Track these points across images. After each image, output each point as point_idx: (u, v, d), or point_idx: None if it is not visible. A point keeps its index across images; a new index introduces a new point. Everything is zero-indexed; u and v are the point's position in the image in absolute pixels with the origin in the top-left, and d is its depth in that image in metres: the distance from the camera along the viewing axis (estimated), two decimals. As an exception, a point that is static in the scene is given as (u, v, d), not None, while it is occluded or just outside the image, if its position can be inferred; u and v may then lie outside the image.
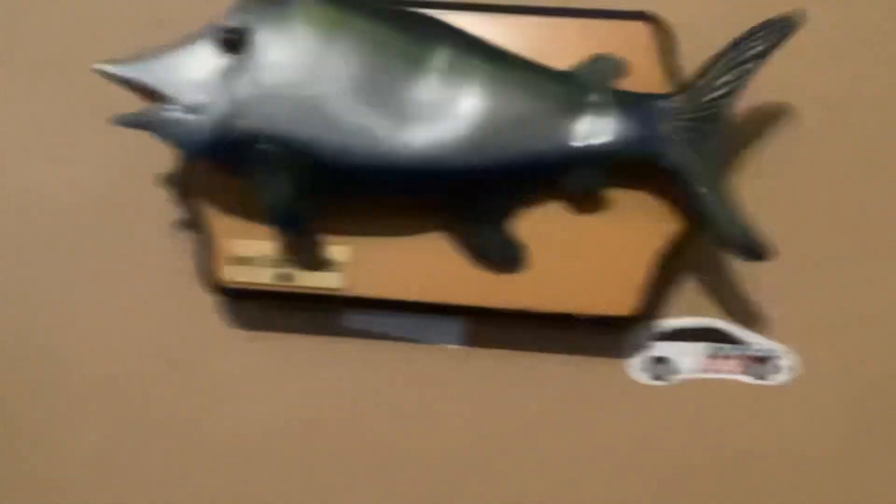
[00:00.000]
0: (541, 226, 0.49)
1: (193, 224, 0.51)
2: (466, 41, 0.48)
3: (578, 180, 0.48)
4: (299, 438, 0.51)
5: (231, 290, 0.50)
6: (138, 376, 0.52)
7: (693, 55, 0.50)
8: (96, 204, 0.54)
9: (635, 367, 0.51)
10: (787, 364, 0.50)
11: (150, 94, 0.46)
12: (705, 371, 0.51)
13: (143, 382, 0.52)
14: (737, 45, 0.48)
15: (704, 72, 0.48)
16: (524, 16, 0.51)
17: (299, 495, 0.51)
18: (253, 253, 0.49)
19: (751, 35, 0.48)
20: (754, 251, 0.47)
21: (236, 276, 0.49)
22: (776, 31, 0.47)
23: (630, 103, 0.48)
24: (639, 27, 0.51)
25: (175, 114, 0.46)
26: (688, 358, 0.51)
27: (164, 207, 0.52)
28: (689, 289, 0.51)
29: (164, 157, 0.52)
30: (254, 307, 0.52)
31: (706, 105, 0.48)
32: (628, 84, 0.49)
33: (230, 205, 0.50)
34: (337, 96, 0.46)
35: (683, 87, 0.48)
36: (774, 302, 0.51)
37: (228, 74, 0.46)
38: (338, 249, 0.49)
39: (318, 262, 0.49)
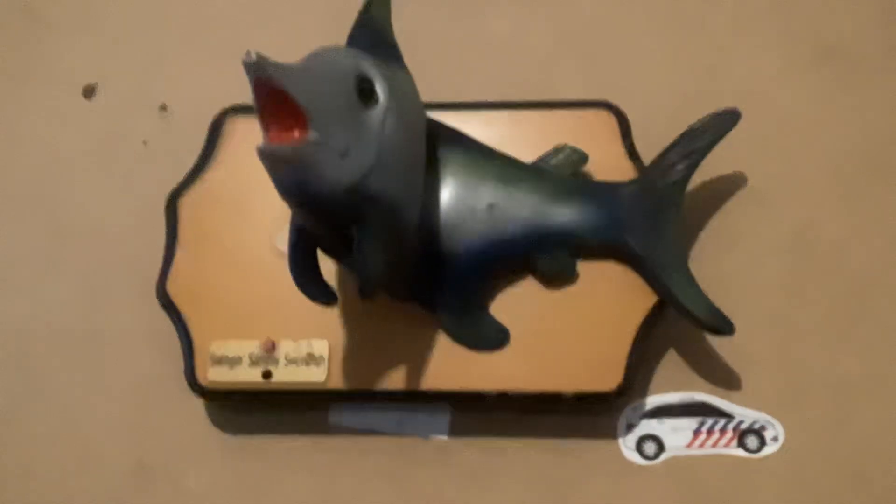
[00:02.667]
0: (521, 308, 0.50)
1: (175, 329, 0.51)
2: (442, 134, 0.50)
3: (551, 264, 0.49)
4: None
5: (214, 392, 0.50)
6: (119, 485, 0.51)
7: (647, 141, 0.52)
8: (81, 308, 0.54)
9: (624, 448, 0.51)
10: (772, 434, 0.50)
11: (295, 118, 0.38)
12: (694, 447, 0.51)
13: (123, 489, 0.51)
14: (687, 135, 0.50)
15: (660, 160, 0.51)
16: (493, 111, 0.53)
17: None
18: (235, 353, 0.49)
19: (700, 126, 0.50)
20: (718, 327, 0.48)
21: (218, 377, 0.49)
22: (722, 122, 0.50)
23: (593, 191, 0.50)
24: (600, 115, 0.53)
25: (318, 153, 0.39)
26: (676, 434, 0.51)
27: (144, 314, 0.53)
28: (671, 363, 0.52)
29: (145, 263, 0.52)
30: (238, 409, 0.52)
31: (663, 190, 0.50)
32: (592, 168, 0.51)
33: (210, 308, 0.50)
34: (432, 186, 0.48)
35: (641, 175, 0.51)
36: (755, 372, 0.51)
37: (365, 126, 0.41)
38: (320, 342, 0.49)
39: (301, 357, 0.49)
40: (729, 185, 0.54)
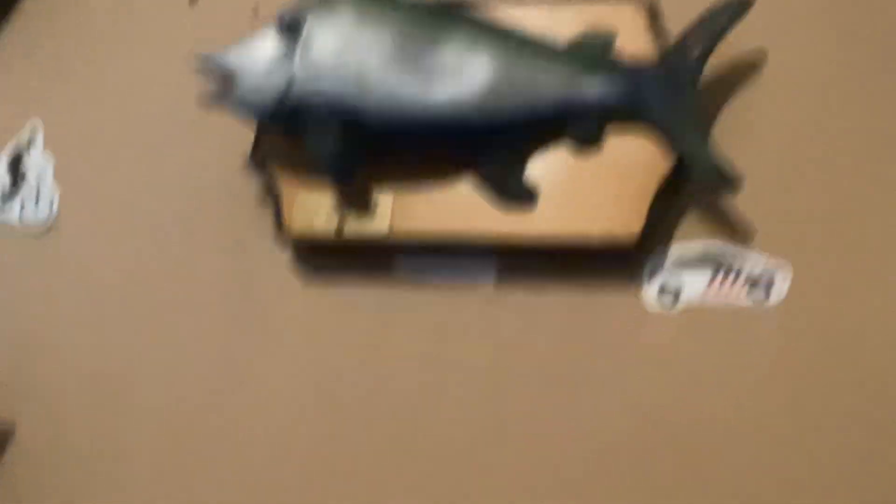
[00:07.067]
0: (554, 169, 0.58)
1: (267, 187, 0.61)
2: (480, 21, 0.59)
3: (579, 132, 0.58)
4: (351, 375, 0.59)
5: (297, 241, 0.59)
6: (211, 325, 0.61)
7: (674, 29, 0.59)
8: (190, 175, 0.65)
9: (645, 296, 0.58)
10: (780, 285, 0.57)
11: (225, 76, 0.58)
12: (709, 295, 0.58)
13: (215, 329, 0.61)
14: (703, 21, 0.57)
15: (679, 42, 0.58)
16: (528, 6, 0.61)
17: (353, 425, 0.58)
18: (315, 207, 0.59)
19: (714, 12, 0.57)
20: (724, 183, 0.55)
21: (302, 228, 0.59)
22: (735, 8, 0.57)
23: (619, 69, 0.58)
24: (630, 9, 0.60)
25: (243, 91, 0.57)
26: (692, 285, 0.58)
27: (237, 174, 0.63)
28: (691, 219, 0.58)
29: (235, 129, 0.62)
30: (315, 257, 0.61)
31: (681, 70, 0.57)
32: (622, 56, 0.59)
33: (296, 169, 0.60)
34: (374, 66, 0.56)
35: (662, 57, 0.58)
36: (767, 227, 0.57)
37: (286, 55, 0.57)
38: (384, 198, 0.59)
39: (368, 211, 0.58)
40: (745, 63, 0.61)
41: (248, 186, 0.63)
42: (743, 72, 0.61)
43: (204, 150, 0.65)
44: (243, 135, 0.63)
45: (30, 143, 0.67)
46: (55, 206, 0.66)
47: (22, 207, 0.66)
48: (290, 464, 0.57)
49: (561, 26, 0.60)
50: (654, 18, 0.60)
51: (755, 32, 0.59)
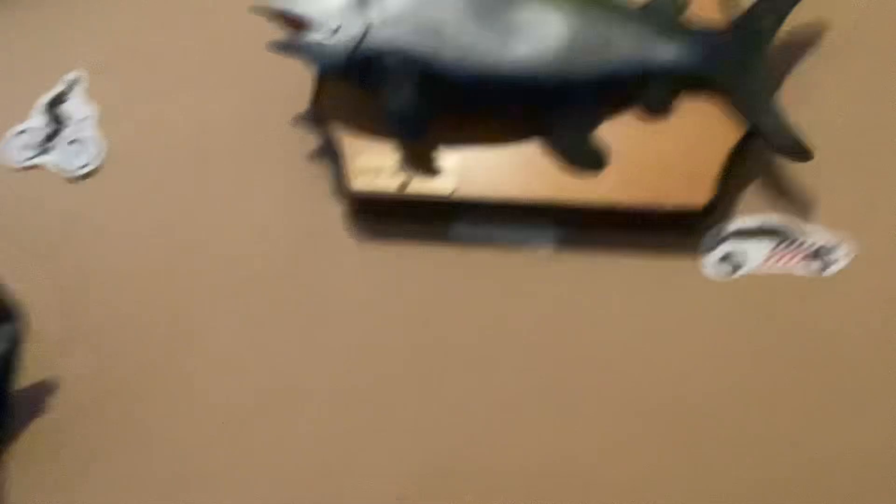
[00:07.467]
0: (623, 133, 0.58)
1: (326, 142, 0.60)
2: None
3: (652, 94, 0.57)
4: (405, 334, 0.58)
5: (359, 198, 0.58)
6: (274, 273, 0.60)
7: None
8: (244, 127, 0.63)
9: (708, 265, 0.59)
10: (840, 257, 0.57)
11: (297, 24, 0.56)
12: (769, 266, 0.58)
13: (276, 277, 0.60)
14: None
15: (750, 12, 0.58)
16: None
17: (411, 380, 0.58)
18: (378, 164, 0.58)
19: None
20: (797, 152, 0.55)
21: (364, 184, 0.58)
22: None
23: (693, 34, 0.58)
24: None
25: (316, 38, 0.56)
26: (753, 254, 0.58)
27: (299, 130, 0.62)
28: (753, 190, 0.59)
29: (300, 88, 0.61)
30: (372, 214, 0.60)
31: (753, 38, 0.57)
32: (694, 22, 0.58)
33: (358, 124, 0.59)
34: (451, 20, 0.55)
35: (735, 24, 0.58)
36: (830, 196, 0.58)
37: (360, 4, 0.56)
38: (449, 158, 0.58)
39: (433, 170, 0.58)
40: (809, 34, 0.61)
41: (304, 139, 0.62)
42: (807, 43, 0.61)
43: (259, 100, 0.64)
44: (300, 86, 0.61)
45: (70, 90, 0.66)
46: (101, 154, 0.64)
47: (63, 152, 0.65)
48: (342, 421, 0.57)
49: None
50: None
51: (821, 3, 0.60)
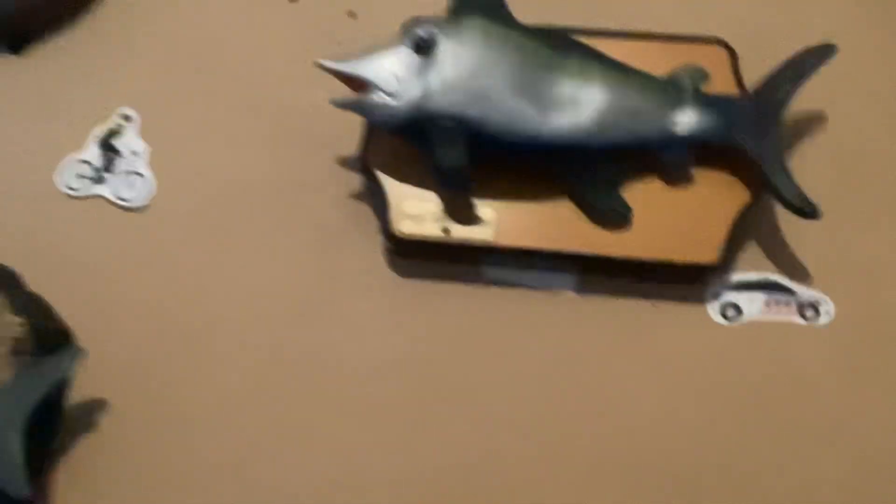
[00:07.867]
0: (644, 193, 0.64)
1: (373, 190, 0.65)
2: (591, 52, 0.64)
3: (673, 158, 0.64)
4: (434, 368, 0.64)
5: (403, 241, 0.64)
6: (309, 318, 0.65)
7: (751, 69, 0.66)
8: (289, 172, 0.69)
9: (711, 311, 0.65)
10: (826, 308, 0.65)
11: (360, 84, 0.61)
12: (765, 315, 0.65)
13: (314, 322, 0.65)
14: (790, 64, 0.64)
15: (766, 82, 0.64)
16: (615, 39, 0.67)
17: (434, 415, 0.63)
18: (421, 211, 0.64)
19: (801, 56, 0.64)
20: (807, 211, 0.62)
21: (408, 228, 0.63)
22: (820, 54, 0.64)
23: (714, 102, 0.64)
24: (713, 49, 0.66)
25: (380, 99, 0.61)
26: (752, 304, 0.65)
27: (348, 179, 0.67)
28: (752, 249, 0.66)
29: (348, 142, 0.66)
30: (417, 258, 0.66)
31: (769, 106, 0.64)
32: (709, 89, 0.65)
33: (403, 174, 0.64)
34: (499, 89, 0.61)
35: (755, 93, 0.65)
36: (817, 258, 0.65)
37: (420, 71, 0.61)
38: (488, 209, 0.64)
39: (473, 219, 0.63)
40: (821, 108, 0.68)
41: (349, 185, 0.67)
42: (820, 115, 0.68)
43: (306, 147, 0.69)
44: (347, 135, 0.66)
45: (124, 126, 0.70)
46: (151, 188, 0.68)
47: (116, 184, 0.68)
48: (370, 450, 0.62)
49: (647, 62, 0.66)
50: (735, 61, 0.66)
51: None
